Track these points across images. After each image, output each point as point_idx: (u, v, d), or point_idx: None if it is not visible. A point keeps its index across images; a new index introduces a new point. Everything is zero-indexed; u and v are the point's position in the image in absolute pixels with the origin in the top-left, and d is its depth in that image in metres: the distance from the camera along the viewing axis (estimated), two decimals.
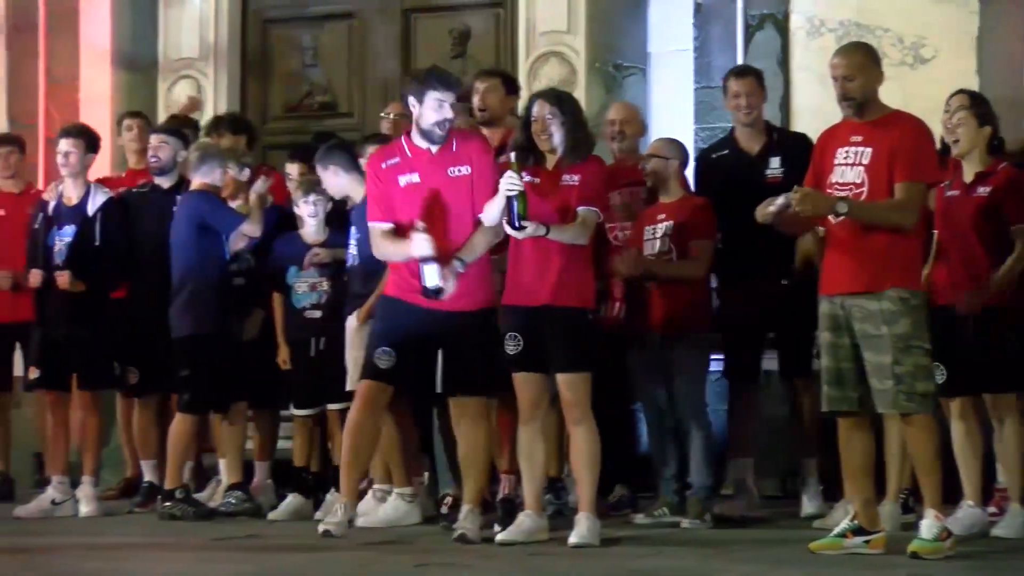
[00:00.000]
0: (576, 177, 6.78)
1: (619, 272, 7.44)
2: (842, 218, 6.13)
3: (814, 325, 6.71)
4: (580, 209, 6.72)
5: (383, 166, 6.89)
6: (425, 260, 6.47)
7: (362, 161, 7.81)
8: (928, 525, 6.05)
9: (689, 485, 7.45)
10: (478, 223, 6.82)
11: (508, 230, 6.66)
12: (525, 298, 6.73)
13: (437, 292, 6.49)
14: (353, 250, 7.68)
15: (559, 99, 7.04)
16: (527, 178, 6.64)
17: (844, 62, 6.28)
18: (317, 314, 8.01)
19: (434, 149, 6.82)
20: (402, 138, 6.95)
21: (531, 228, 6.56)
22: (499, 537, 6.68)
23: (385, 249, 6.85)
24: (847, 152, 6.24)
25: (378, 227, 6.79)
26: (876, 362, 6.10)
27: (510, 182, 6.54)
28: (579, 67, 8.96)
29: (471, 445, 6.93)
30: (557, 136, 6.81)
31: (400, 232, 6.74)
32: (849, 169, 6.20)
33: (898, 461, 6.90)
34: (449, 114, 6.77)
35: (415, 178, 6.78)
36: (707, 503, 7.42)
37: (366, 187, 7.12)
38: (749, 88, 7.82)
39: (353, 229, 7.69)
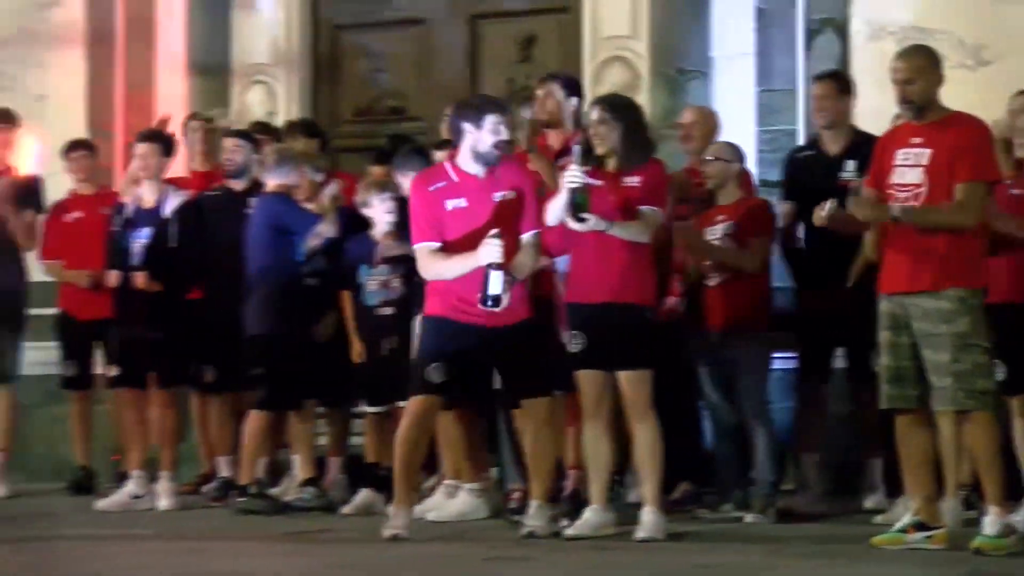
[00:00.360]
0: (636, 179, 6.80)
1: (678, 242, 7.47)
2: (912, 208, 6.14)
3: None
4: (642, 209, 6.73)
5: (429, 189, 6.89)
6: (494, 267, 6.48)
7: None
8: (991, 522, 6.00)
9: (752, 481, 7.47)
10: (520, 243, 6.83)
11: (570, 223, 6.66)
12: (587, 295, 6.75)
13: (497, 301, 6.51)
14: None
15: (613, 105, 7.09)
16: (590, 180, 6.67)
17: (904, 65, 6.25)
18: (388, 311, 7.98)
19: (482, 173, 6.85)
20: (446, 163, 6.97)
21: (593, 221, 6.59)
22: (567, 532, 6.68)
23: (437, 267, 6.84)
24: (906, 154, 6.21)
25: (427, 247, 6.79)
26: (935, 360, 6.07)
27: (572, 176, 6.57)
28: (643, 71, 8.94)
29: (537, 444, 6.94)
30: (612, 140, 6.85)
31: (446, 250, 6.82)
32: (909, 170, 6.18)
33: (953, 458, 6.76)
34: (506, 135, 6.85)
35: (462, 203, 6.83)
36: (771, 499, 7.41)
37: (411, 209, 7.04)
38: (825, 91, 7.85)
39: None
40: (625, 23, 9.18)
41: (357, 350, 8.08)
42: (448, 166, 6.92)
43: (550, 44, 9.61)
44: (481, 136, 6.77)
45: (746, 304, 7.43)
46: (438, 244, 6.78)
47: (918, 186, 6.13)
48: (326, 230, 8.10)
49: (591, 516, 6.75)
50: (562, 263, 7.32)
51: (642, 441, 6.78)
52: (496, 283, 6.49)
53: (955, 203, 6.11)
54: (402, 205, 7.86)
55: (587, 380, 6.80)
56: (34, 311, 9.40)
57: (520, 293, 6.91)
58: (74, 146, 9.47)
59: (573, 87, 7.82)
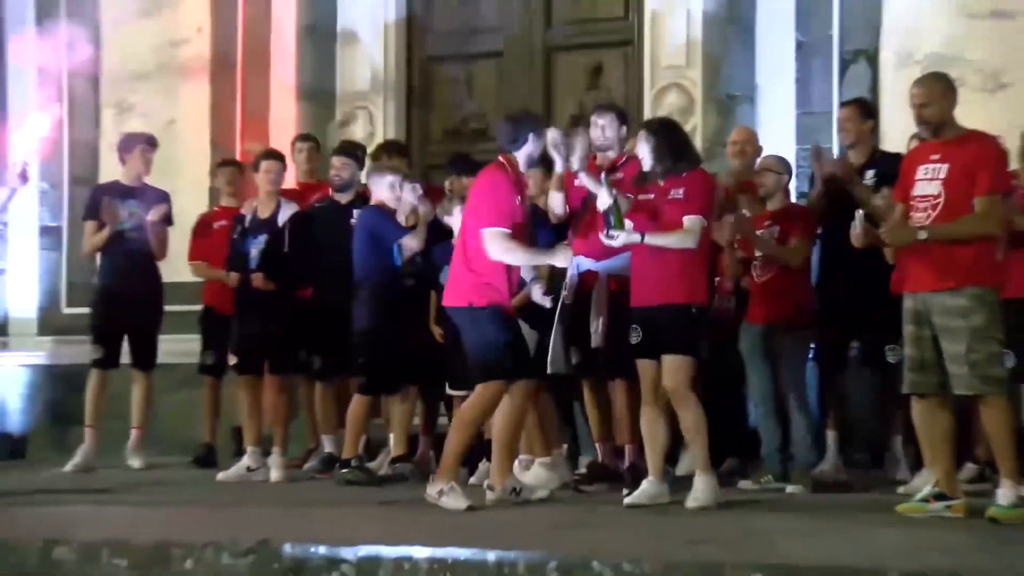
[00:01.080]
0: (681, 191, 6.90)
1: (731, 232, 7.53)
2: (932, 217, 6.20)
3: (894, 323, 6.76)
4: (685, 218, 6.81)
5: (508, 181, 7.02)
6: (609, 209, 6.75)
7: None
8: (1004, 494, 6.14)
9: (791, 456, 7.57)
10: None
11: (603, 239, 6.88)
12: (643, 299, 6.88)
13: (562, 297, 6.86)
14: None
15: (648, 126, 7.28)
16: (618, 201, 6.84)
17: (920, 91, 6.37)
18: None
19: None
20: (507, 165, 7.08)
21: (623, 236, 6.78)
22: (626, 500, 6.84)
23: (512, 251, 6.90)
24: (927, 168, 6.33)
25: (504, 231, 6.84)
26: (953, 351, 6.17)
27: (600, 199, 6.86)
28: (696, 96, 8.97)
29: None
30: (648, 158, 7.01)
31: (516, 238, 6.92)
32: (928, 184, 6.30)
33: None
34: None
35: (518, 199, 7.04)
36: (808, 471, 7.53)
37: (492, 196, 7.02)
38: (848, 115, 7.89)
39: None
40: (681, 55, 9.20)
41: (438, 332, 8.16)
42: (507, 164, 7.10)
43: (615, 73, 9.58)
44: (536, 146, 7.09)
45: (790, 300, 7.53)
46: (510, 230, 6.91)
47: (936, 197, 6.24)
48: (410, 243, 8.11)
49: (648, 487, 6.86)
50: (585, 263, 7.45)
51: (686, 420, 6.87)
52: (560, 285, 6.83)
53: (978, 215, 6.21)
54: None
55: (643, 368, 6.94)
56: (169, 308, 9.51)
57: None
58: (224, 163, 9.68)
59: (623, 117, 7.82)
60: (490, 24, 10.18)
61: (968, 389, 6.21)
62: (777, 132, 8.52)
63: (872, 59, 8.79)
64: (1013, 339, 6.52)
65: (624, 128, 7.69)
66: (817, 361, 7.87)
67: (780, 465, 7.58)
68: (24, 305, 11.03)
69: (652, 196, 7.02)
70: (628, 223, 6.85)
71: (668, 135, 7.13)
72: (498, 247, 6.89)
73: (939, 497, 6.34)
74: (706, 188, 7.05)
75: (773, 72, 9.12)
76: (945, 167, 6.26)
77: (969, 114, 6.57)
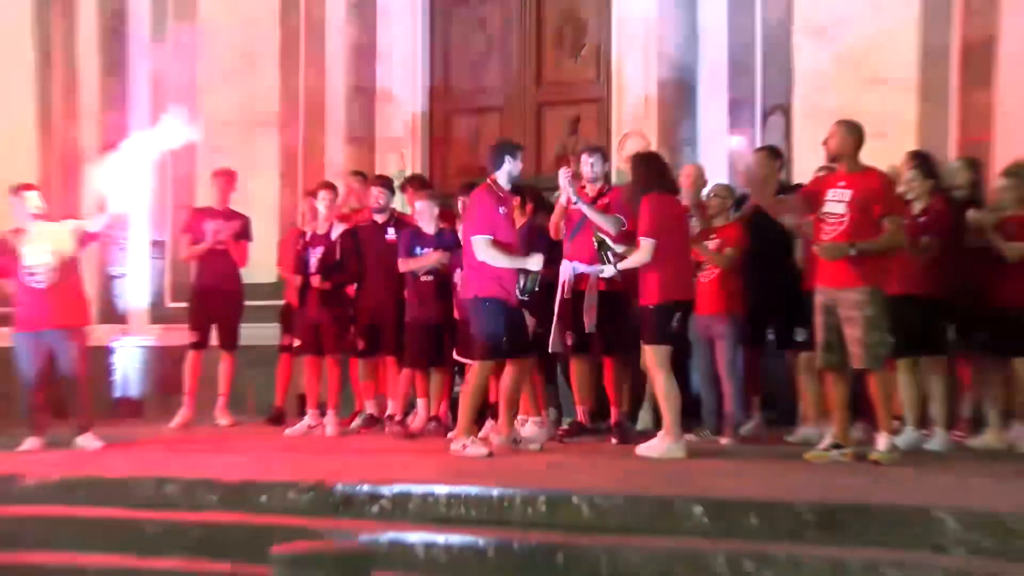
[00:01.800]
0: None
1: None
2: (837, 232, 6.25)
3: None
4: (641, 239, 6.74)
5: (490, 197, 6.95)
6: (536, 274, 6.72)
7: None
8: (882, 442, 6.29)
9: (724, 415, 7.50)
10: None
11: (596, 272, 7.03)
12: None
13: (529, 293, 6.76)
14: None
15: (636, 161, 7.14)
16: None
17: (832, 131, 6.43)
18: None
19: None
20: (490, 182, 7.00)
21: (608, 271, 6.90)
22: (638, 450, 6.74)
23: (494, 256, 6.78)
24: (835, 192, 6.35)
25: (488, 238, 6.79)
26: (853, 335, 6.26)
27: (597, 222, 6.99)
28: (652, 141, 8.84)
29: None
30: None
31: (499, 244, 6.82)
32: (836, 204, 6.32)
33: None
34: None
35: (504, 208, 6.97)
36: (738, 428, 7.50)
37: (478, 210, 6.98)
38: (759, 158, 7.69)
39: None
40: (640, 109, 9.14)
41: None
42: (493, 184, 7.00)
43: (589, 123, 9.48)
44: (514, 168, 7.01)
45: (725, 296, 7.44)
46: (492, 237, 6.82)
47: (842, 215, 6.29)
48: (430, 258, 7.97)
49: (662, 440, 6.74)
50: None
51: (659, 390, 6.81)
52: (533, 283, 6.75)
53: (889, 233, 6.28)
54: None
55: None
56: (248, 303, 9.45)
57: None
58: (310, 193, 9.31)
59: (606, 156, 7.77)
60: (494, 85, 10.10)
61: (863, 364, 6.28)
62: (714, 168, 8.36)
63: (787, 112, 8.74)
64: (893, 325, 6.46)
65: (607, 164, 7.64)
66: (744, 343, 7.78)
67: (716, 422, 7.55)
68: (138, 300, 11.03)
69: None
70: (616, 247, 6.91)
71: (648, 165, 7.07)
72: (482, 251, 6.83)
73: (836, 446, 6.40)
74: (654, 209, 6.80)
75: (710, 122, 8.97)
76: (849, 192, 6.30)
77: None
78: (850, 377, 6.43)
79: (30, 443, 7.56)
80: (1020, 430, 7.09)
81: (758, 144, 8.52)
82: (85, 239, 7.77)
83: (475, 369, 6.98)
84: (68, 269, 7.60)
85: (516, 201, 7.38)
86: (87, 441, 7.60)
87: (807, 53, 8.72)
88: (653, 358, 6.79)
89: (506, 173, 7.02)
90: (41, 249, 7.53)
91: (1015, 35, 8.13)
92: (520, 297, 6.82)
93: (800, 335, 7.25)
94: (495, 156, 7.11)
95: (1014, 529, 4.54)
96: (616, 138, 9.12)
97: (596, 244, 6.93)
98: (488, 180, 7.08)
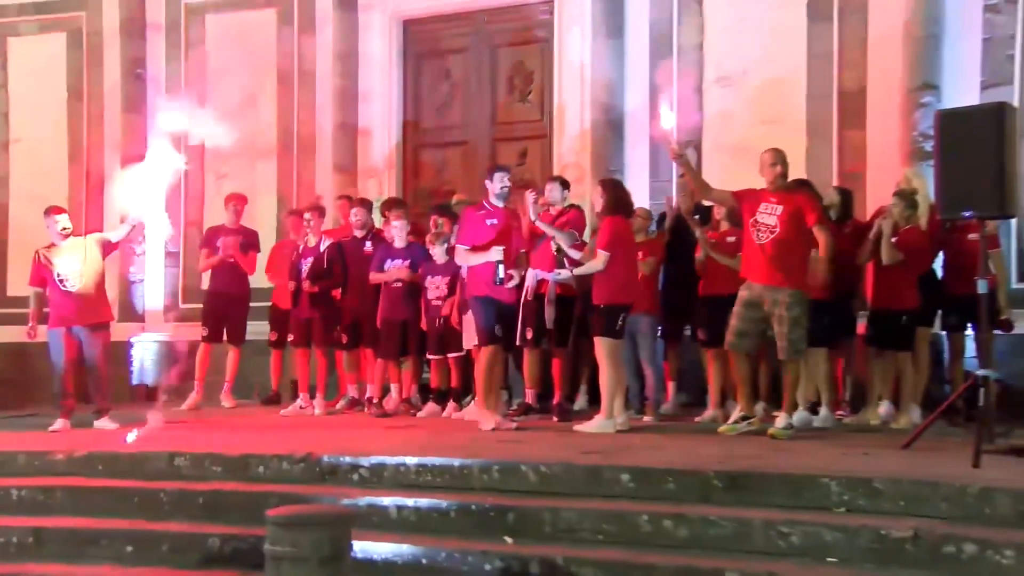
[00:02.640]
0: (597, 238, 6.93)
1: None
2: (770, 239, 6.16)
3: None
4: (599, 251, 6.70)
5: (477, 213, 7.00)
6: (499, 261, 6.73)
7: None
8: (781, 420, 6.28)
9: (647, 397, 7.51)
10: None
11: (552, 276, 7.01)
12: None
13: (502, 282, 6.75)
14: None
15: (604, 185, 7.02)
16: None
17: (764, 157, 6.40)
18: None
19: (501, 205, 6.99)
20: (484, 200, 7.03)
21: (564, 275, 6.90)
22: (578, 428, 6.68)
23: (467, 258, 6.91)
24: (767, 206, 6.27)
25: (463, 247, 6.91)
26: (779, 330, 6.21)
27: (555, 240, 6.94)
28: (587, 171, 8.83)
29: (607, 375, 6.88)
30: (600, 204, 6.87)
31: (477, 249, 6.86)
32: (768, 216, 6.25)
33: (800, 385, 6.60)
34: (508, 184, 7.01)
35: (494, 220, 6.95)
36: (658, 408, 7.51)
37: (461, 224, 7.13)
38: (681, 183, 7.80)
39: None
40: (576, 144, 9.12)
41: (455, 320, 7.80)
42: (486, 201, 7.03)
43: (536, 156, 9.46)
44: (495, 184, 6.95)
45: (647, 297, 7.36)
46: (469, 246, 6.89)
47: (774, 227, 6.21)
48: (392, 273, 7.99)
49: (601, 420, 6.69)
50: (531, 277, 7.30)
51: (605, 376, 6.73)
52: (500, 271, 6.75)
53: (825, 240, 6.25)
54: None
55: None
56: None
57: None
58: (290, 214, 9.46)
59: (566, 184, 7.68)
60: (456, 124, 10.05)
61: (786, 355, 6.26)
62: (638, 193, 8.25)
63: (698, 147, 8.70)
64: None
65: (565, 191, 7.58)
66: (663, 337, 7.78)
67: (640, 403, 7.50)
68: (155, 302, 10.87)
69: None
70: (575, 253, 6.93)
71: (616, 190, 6.98)
72: (459, 257, 7.07)
73: (744, 418, 6.41)
74: (613, 229, 6.75)
75: (635, 155, 8.91)
76: (780, 207, 6.24)
77: (757, 185, 6.54)
78: (752, 360, 6.43)
79: (59, 424, 7.50)
80: (890, 409, 7.14)
81: (675, 175, 8.55)
82: (107, 248, 7.75)
83: (481, 354, 6.98)
84: (93, 275, 7.60)
85: (512, 211, 7.27)
86: (104, 423, 7.56)
87: (714, 97, 8.70)
88: (602, 349, 6.72)
89: (494, 190, 7.02)
90: (71, 260, 7.55)
91: (880, 86, 8.17)
92: (496, 286, 6.84)
93: (704, 334, 7.31)
94: (487, 176, 7.15)
95: (881, 490, 4.60)
96: (556, 169, 9.01)
97: (555, 251, 6.98)
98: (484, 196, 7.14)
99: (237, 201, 9.36)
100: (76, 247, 7.60)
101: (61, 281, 7.50)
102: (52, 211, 7.75)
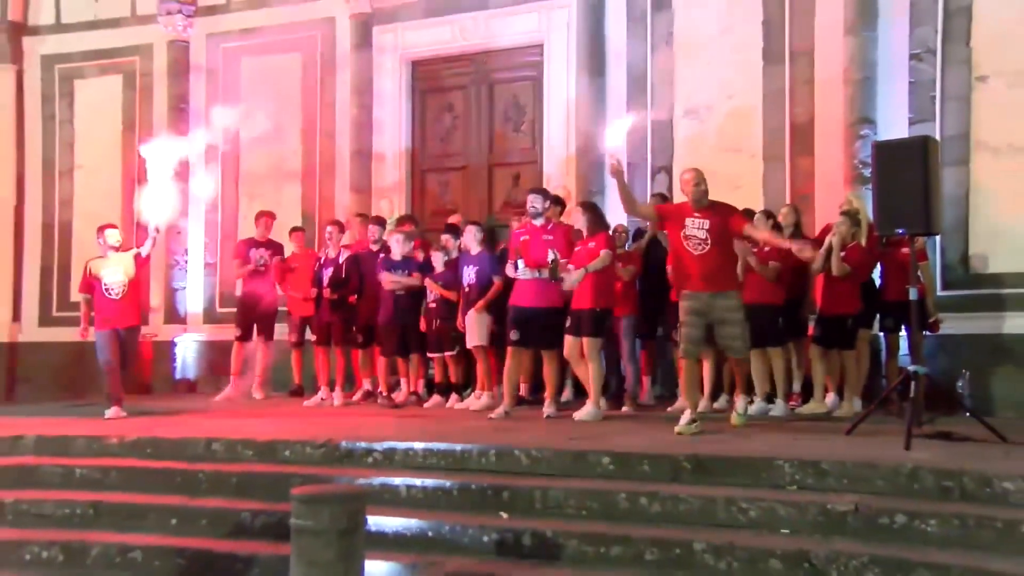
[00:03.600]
0: (592, 243, 6.81)
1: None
2: (705, 251, 5.93)
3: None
4: (602, 251, 6.70)
5: (515, 231, 7.09)
6: (515, 263, 6.88)
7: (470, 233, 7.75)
8: (739, 406, 6.31)
9: (625, 390, 7.44)
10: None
11: (560, 283, 6.80)
12: (575, 304, 6.80)
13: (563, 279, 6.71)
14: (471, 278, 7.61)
15: (583, 206, 7.07)
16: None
17: (687, 176, 6.12)
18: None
19: (537, 222, 6.95)
20: (524, 219, 7.14)
21: (569, 281, 6.65)
22: (576, 415, 6.70)
23: (508, 271, 7.02)
24: (694, 221, 5.99)
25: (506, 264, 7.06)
26: (730, 331, 6.01)
27: (550, 255, 6.81)
28: (572, 193, 8.73)
29: (551, 370, 6.98)
30: (581, 223, 6.90)
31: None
32: (697, 231, 5.98)
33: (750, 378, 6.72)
34: (535, 205, 6.97)
35: (526, 236, 6.98)
36: (635, 400, 7.43)
37: (511, 243, 7.14)
38: (653, 201, 7.66)
39: (468, 268, 7.67)
40: (563, 169, 9.08)
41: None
42: (525, 220, 7.12)
43: (527, 179, 9.33)
44: (528, 204, 6.99)
45: (628, 301, 7.35)
46: (514, 262, 6.91)
47: (704, 240, 5.96)
48: (403, 279, 7.95)
49: (591, 408, 6.70)
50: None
51: (591, 370, 6.73)
52: (524, 272, 6.81)
53: (763, 237, 6.21)
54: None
55: (572, 342, 6.80)
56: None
57: (542, 293, 6.83)
58: (293, 231, 9.42)
59: (547, 195, 7.32)
60: (458, 151, 9.98)
61: (736, 354, 6.20)
62: (616, 210, 8.07)
63: (668, 171, 8.68)
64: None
65: (548, 202, 7.20)
66: (640, 337, 7.74)
67: (618, 394, 7.48)
68: (195, 306, 10.81)
69: (578, 248, 6.92)
70: (573, 268, 6.71)
71: (594, 211, 7.05)
72: (508, 269, 7.14)
73: (693, 421, 5.94)
74: (609, 241, 6.93)
75: (614, 180, 8.88)
76: (707, 222, 5.99)
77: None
78: (702, 366, 6.33)
79: (112, 412, 7.50)
80: (835, 400, 7.14)
81: (649, 194, 8.52)
82: (140, 261, 7.83)
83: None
84: (131, 284, 7.75)
85: (546, 222, 7.12)
86: (115, 412, 7.58)
87: (683, 128, 8.59)
88: (590, 347, 6.68)
89: (529, 208, 7.04)
90: (115, 271, 7.66)
91: (825, 119, 8.16)
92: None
93: (678, 334, 7.17)
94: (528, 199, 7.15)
95: (827, 470, 4.61)
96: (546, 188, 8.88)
97: (550, 261, 6.82)
98: None
99: (267, 217, 9.38)
100: (119, 261, 7.71)
101: (107, 290, 7.62)
102: (105, 227, 7.87)
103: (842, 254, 6.85)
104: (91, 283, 7.73)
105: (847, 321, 6.95)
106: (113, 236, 7.77)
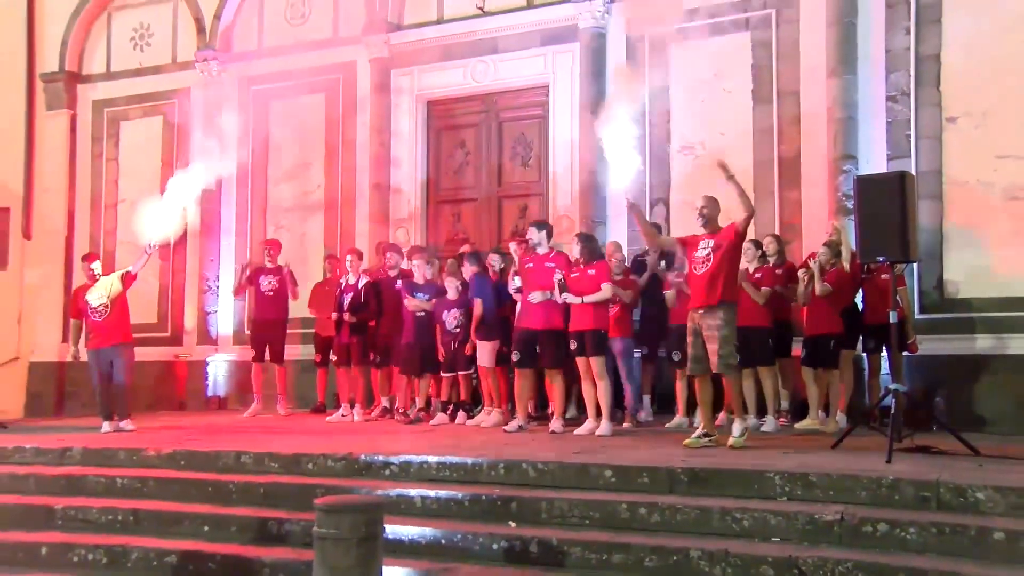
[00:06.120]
0: (594, 270, 6.80)
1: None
2: (704, 269, 5.91)
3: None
4: (603, 284, 6.73)
5: (523, 258, 7.13)
6: (517, 289, 6.99)
7: (494, 261, 7.93)
8: (736, 429, 5.92)
9: (625, 407, 7.38)
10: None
11: (559, 297, 6.79)
12: (575, 326, 6.77)
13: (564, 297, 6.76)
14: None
15: (580, 237, 7.10)
16: (575, 273, 6.84)
17: (702, 204, 6.18)
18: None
19: (541, 251, 6.99)
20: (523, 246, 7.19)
21: (569, 298, 6.71)
22: (576, 431, 6.71)
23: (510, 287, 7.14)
24: (704, 243, 6.04)
25: (515, 284, 7.07)
26: (712, 349, 5.89)
27: (556, 276, 6.82)
28: (576, 222, 8.81)
29: (555, 388, 6.96)
30: (579, 252, 6.91)
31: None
32: (703, 251, 6.00)
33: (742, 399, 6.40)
34: (532, 236, 7.03)
35: (531, 264, 7.02)
36: (635, 417, 7.41)
37: (520, 270, 7.09)
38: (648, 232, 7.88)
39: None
40: (568, 200, 9.10)
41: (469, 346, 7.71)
42: (526, 250, 7.19)
43: (534, 210, 9.38)
44: (531, 236, 7.04)
45: (625, 323, 7.31)
46: (518, 284, 7.04)
47: (707, 259, 5.94)
48: (420, 302, 7.88)
49: (590, 424, 6.67)
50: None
51: (600, 388, 6.68)
52: (535, 297, 6.87)
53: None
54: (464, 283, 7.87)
55: (582, 361, 6.77)
56: (291, 331, 9.37)
57: (545, 316, 6.84)
58: (328, 256, 9.54)
59: (542, 226, 7.24)
60: (469, 184, 10.02)
61: (718, 370, 5.95)
62: (616, 238, 8.39)
63: (666, 203, 8.72)
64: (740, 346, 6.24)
65: (543, 232, 7.16)
66: (642, 357, 7.72)
67: (619, 412, 7.37)
68: (225, 329, 10.85)
69: (575, 274, 6.91)
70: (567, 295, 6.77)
71: (586, 242, 7.04)
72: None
73: (705, 435, 6.04)
74: (607, 270, 6.96)
75: (614, 208, 8.74)
76: (712, 242, 6.01)
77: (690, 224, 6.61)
78: (711, 380, 6.12)
79: (107, 427, 7.64)
80: (823, 417, 7.12)
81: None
82: (128, 279, 7.91)
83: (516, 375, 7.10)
84: (117, 305, 7.76)
85: (549, 250, 7.14)
86: (126, 425, 7.70)
87: (679, 163, 8.64)
88: (597, 366, 6.68)
89: (536, 241, 7.06)
90: (99, 295, 7.77)
91: (811, 155, 8.20)
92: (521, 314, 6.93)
93: (676, 356, 7.22)
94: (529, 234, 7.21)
95: (815, 482, 4.61)
96: (552, 218, 8.79)
97: (557, 284, 6.83)
98: None
99: (271, 246, 9.36)
100: (103, 285, 7.82)
101: (92, 312, 7.73)
102: (89, 258, 8.07)
103: (823, 278, 6.95)
104: (81, 309, 7.85)
105: (830, 341, 6.96)
106: (97, 268, 7.90)
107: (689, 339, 6.08)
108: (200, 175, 8.23)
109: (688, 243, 6.30)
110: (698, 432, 6.08)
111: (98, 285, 7.81)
